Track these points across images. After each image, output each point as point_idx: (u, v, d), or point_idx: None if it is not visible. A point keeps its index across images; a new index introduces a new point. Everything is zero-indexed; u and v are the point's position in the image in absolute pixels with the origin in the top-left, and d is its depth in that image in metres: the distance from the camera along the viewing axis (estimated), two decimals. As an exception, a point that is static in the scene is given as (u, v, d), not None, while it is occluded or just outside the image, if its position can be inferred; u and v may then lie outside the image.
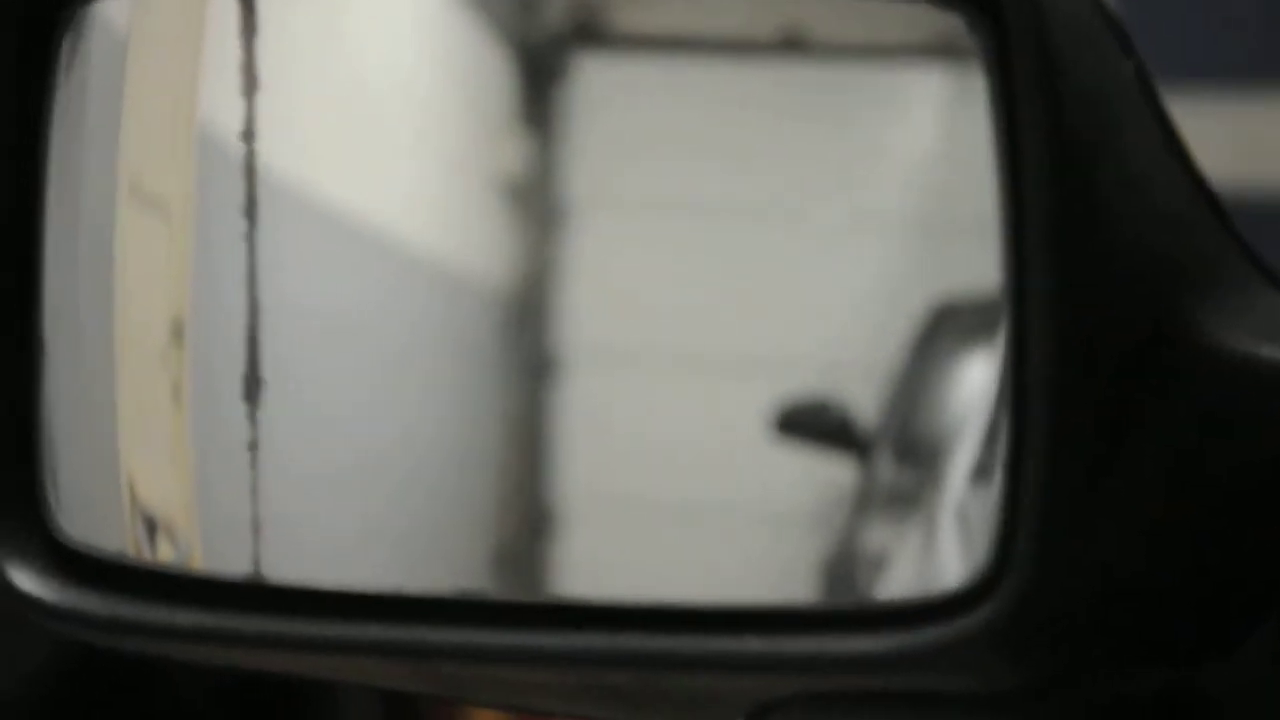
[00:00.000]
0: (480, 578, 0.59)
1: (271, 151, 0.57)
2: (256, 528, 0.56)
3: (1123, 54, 0.47)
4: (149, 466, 0.60)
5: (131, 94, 0.57)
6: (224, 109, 0.57)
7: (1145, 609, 0.50)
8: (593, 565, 0.94)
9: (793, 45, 0.95)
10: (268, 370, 0.55)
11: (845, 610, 0.55)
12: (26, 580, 0.54)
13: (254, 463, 0.56)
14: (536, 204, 0.97)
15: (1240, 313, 0.48)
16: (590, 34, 1.02)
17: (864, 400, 1.13)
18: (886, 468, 1.09)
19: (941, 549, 0.63)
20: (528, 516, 0.84)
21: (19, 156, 0.55)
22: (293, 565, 0.57)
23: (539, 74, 1.01)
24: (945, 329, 1.05)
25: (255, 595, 0.56)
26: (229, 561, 0.58)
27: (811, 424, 1.12)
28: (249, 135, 0.56)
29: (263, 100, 0.55)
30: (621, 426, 1.02)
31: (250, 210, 0.56)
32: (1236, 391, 0.48)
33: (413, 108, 0.68)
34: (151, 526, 0.59)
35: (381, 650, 0.53)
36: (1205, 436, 0.49)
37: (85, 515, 0.57)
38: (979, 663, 0.48)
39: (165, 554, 0.59)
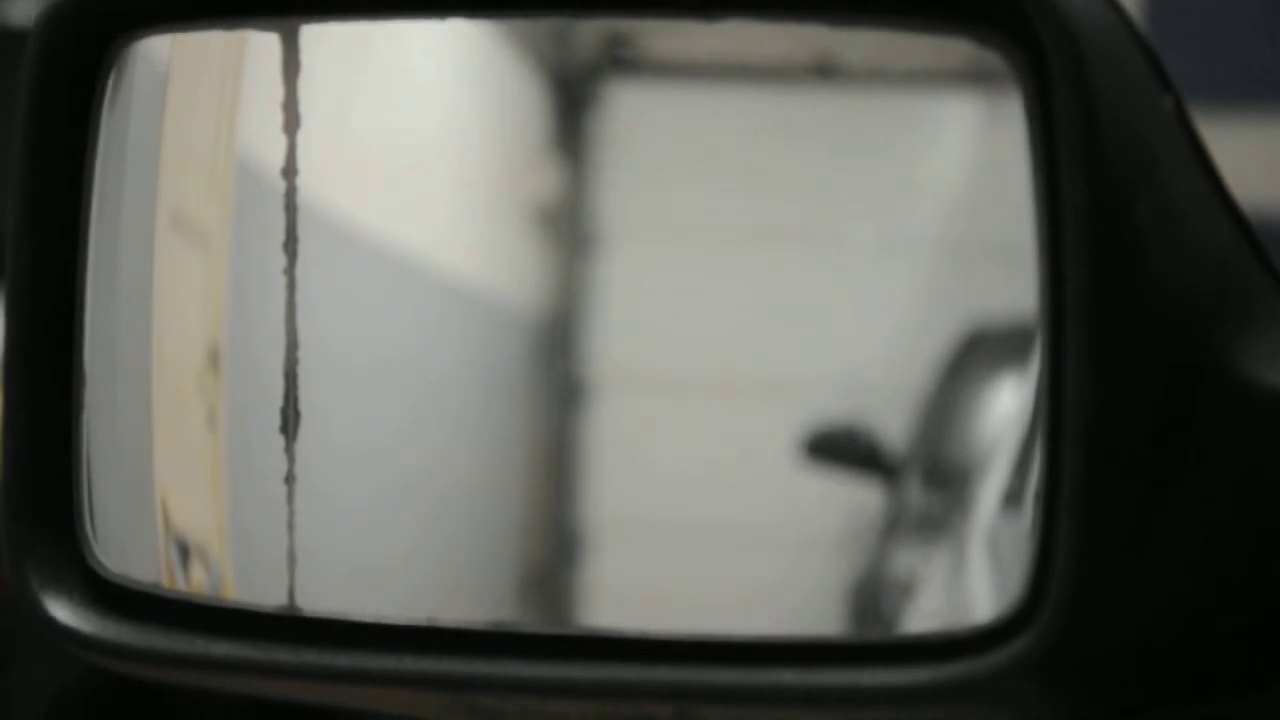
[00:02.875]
0: (514, 605, 0.59)
1: (312, 186, 0.57)
2: (292, 559, 0.56)
3: (1161, 90, 0.47)
4: (183, 491, 0.60)
5: (172, 127, 0.58)
6: (264, 144, 0.57)
7: (1185, 645, 0.49)
8: (623, 591, 0.94)
9: (825, 72, 0.95)
10: (305, 404, 0.55)
11: (879, 643, 0.54)
12: (64, 612, 0.54)
13: (290, 495, 0.56)
14: (568, 231, 0.97)
15: (1277, 348, 0.48)
16: (623, 62, 1.02)
17: (893, 425, 1.12)
18: (916, 492, 1.09)
19: (972, 576, 0.62)
20: (559, 542, 0.84)
21: (63, 188, 0.55)
22: (328, 596, 0.57)
23: (572, 102, 1.01)
24: (975, 354, 1.05)
25: (290, 626, 0.56)
26: (264, 592, 0.57)
27: (840, 448, 1.11)
28: (290, 172, 0.56)
29: (303, 137, 0.55)
30: (651, 451, 1.01)
31: (290, 245, 0.56)
32: (1272, 426, 0.48)
33: (449, 138, 0.68)
34: (184, 551, 0.59)
35: (417, 681, 0.52)
36: (1244, 471, 0.48)
37: (122, 547, 0.57)
38: (1013, 697, 0.47)
39: (198, 578, 0.59)
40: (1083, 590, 0.45)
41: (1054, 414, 0.46)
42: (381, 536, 0.58)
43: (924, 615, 0.79)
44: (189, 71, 0.58)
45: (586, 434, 0.98)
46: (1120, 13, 0.47)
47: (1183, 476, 0.47)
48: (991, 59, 0.48)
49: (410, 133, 0.69)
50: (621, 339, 1.09)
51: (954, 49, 0.52)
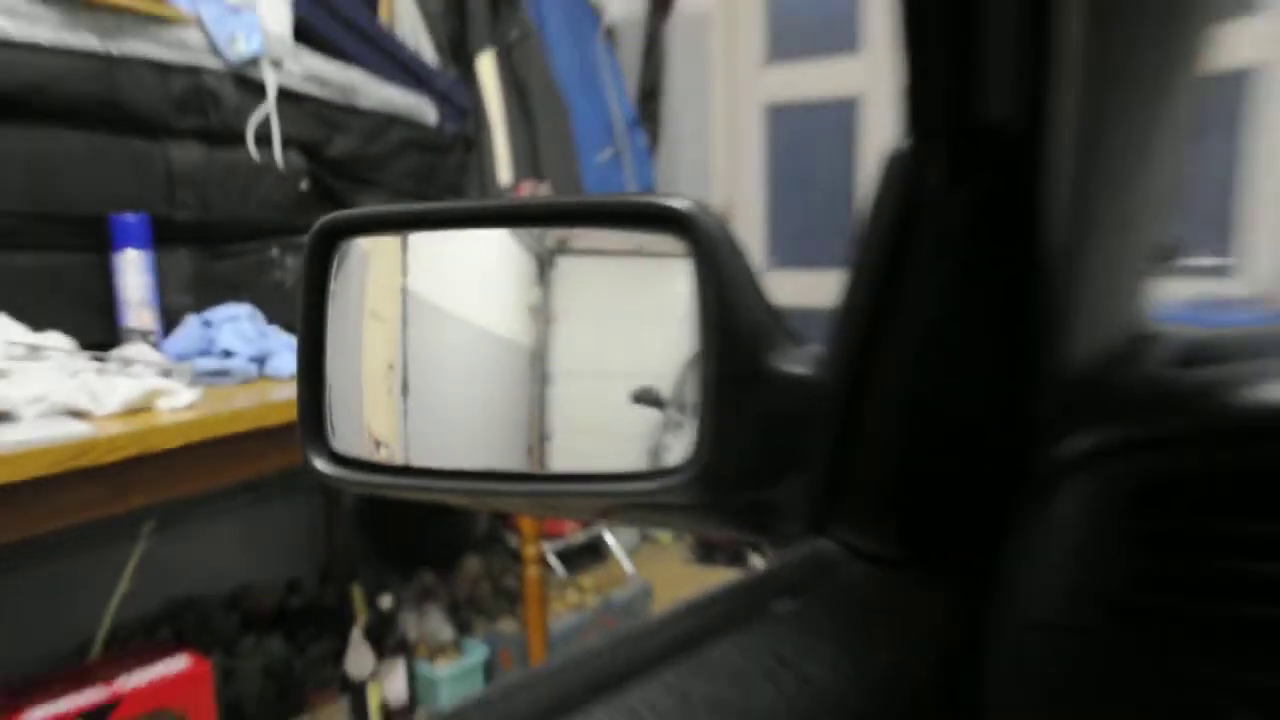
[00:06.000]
0: (516, 460, 0.58)
1: (424, 297, 0.56)
2: (406, 443, 0.55)
3: (740, 254, 0.47)
4: (375, 416, 0.58)
5: (370, 277, 0.56)
6: (410, 283, 0.55)
7: (753, 474, 0.49)
8: (562, 454, 0.93)
9: (640, 253, 0.95)
10: (412, 380, 0.54)
11: (643, 471, 0.54)
12: (322, 466, 0.53)
13: (405, 414, 0.54)
14: (542, 316, 0.97)
15: (788, 355, 0.49)
16: (564, 248, 1.02)
17: (667, 387, 1.12)
18: (673, 414, 1.09)
19: (680, 444, 0.62)
20: (539, 432, 0.83)
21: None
22: (426, 458, 0.55)
23: (543, 263, 1.01)
24: (691, 361, 1.05)
25: (413, 471, 0.54)
26: (403, 457, 0.56)
27: (645, 398, 1.11)
28: (405, 294, 0.55)
29: (417, 281, 0.54)
30: (573, 403, 1.01)
31: (404, 327, 0.55)
32: (787, 388, 0.48)
33: (491, 276, 0.67)
34: (376, 443, 0.57)
35: (469, 493, 0.52)
36: (772, 412, 0.48)
37: (346, 440, 0.55)
38: (690, 491, 0.47)
39: (383, 455, 0.58)
40: (708, 450, 0.45)
41: (703, 380, 0.46)
42: (452, 429, 0.56)
43: (669, 460, 0.78)
44: (376, 251, 0.56)
45: (549, 396, 0.97)
46: (726, 227, 0.47)
47: (749, 411, 0.47)
48: (678, 243, 0.48)
49: (474, 274, 0.67)
50: (566, 356, 1.07)
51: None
